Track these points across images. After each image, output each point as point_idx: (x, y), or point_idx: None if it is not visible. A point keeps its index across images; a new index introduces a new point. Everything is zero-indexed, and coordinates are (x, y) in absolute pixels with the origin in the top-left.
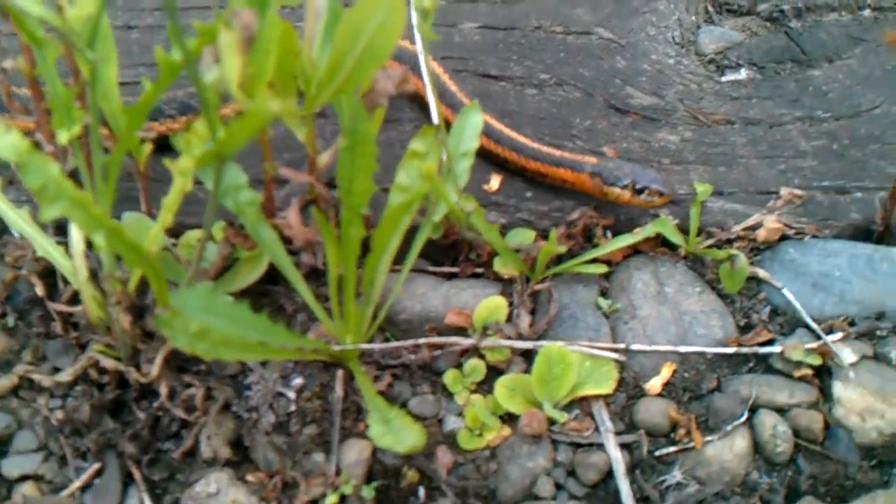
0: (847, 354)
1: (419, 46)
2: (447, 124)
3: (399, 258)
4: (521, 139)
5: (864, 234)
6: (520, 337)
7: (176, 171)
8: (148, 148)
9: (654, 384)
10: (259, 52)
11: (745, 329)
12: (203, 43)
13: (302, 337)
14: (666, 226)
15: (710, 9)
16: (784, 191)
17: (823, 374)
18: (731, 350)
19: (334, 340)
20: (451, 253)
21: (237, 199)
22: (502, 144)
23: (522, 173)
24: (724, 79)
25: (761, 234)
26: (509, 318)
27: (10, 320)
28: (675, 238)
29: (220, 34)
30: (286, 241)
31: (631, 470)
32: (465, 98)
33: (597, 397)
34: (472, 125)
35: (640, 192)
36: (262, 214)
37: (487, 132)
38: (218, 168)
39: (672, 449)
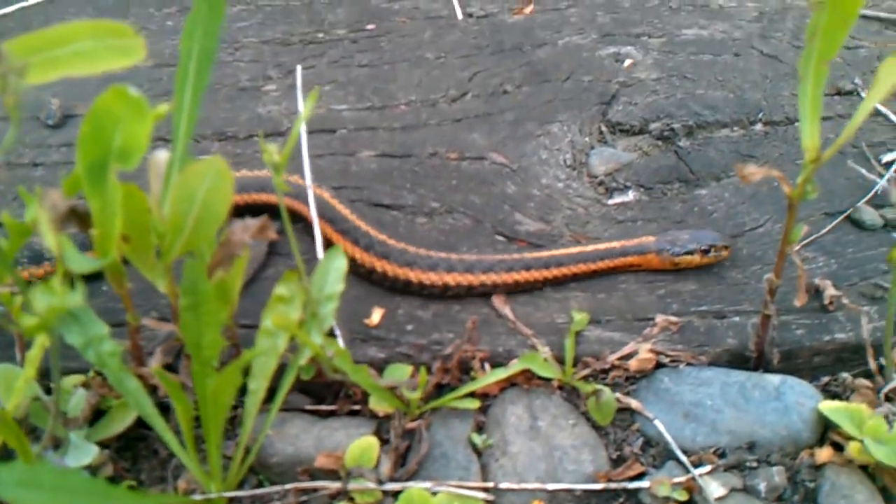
0: (714, 489)
1: (307, 180)
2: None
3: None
4: (577, 250)
5: (740, 359)
6: (390, 479)
7: (24, 329)
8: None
9: None
10: (105, 215)
11: (617, 462)
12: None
13: (155, 495)
14: (534, 360)
15: (604, 129)
16: (659, 318)
17: None
18: (599, 486)
19: (201, 489)
20: (330, 390)
21: (99, 351)
22: (566, 265)
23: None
24: (611, 201)
25: (633, 364)
26: (381, 459)
27: None
28: (546, 372)
29: (36, 211)
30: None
31: None
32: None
33: None
34: (337, 268)
35: (706, 252)
36: (127, 364)
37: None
38: (53, 331)
39: None
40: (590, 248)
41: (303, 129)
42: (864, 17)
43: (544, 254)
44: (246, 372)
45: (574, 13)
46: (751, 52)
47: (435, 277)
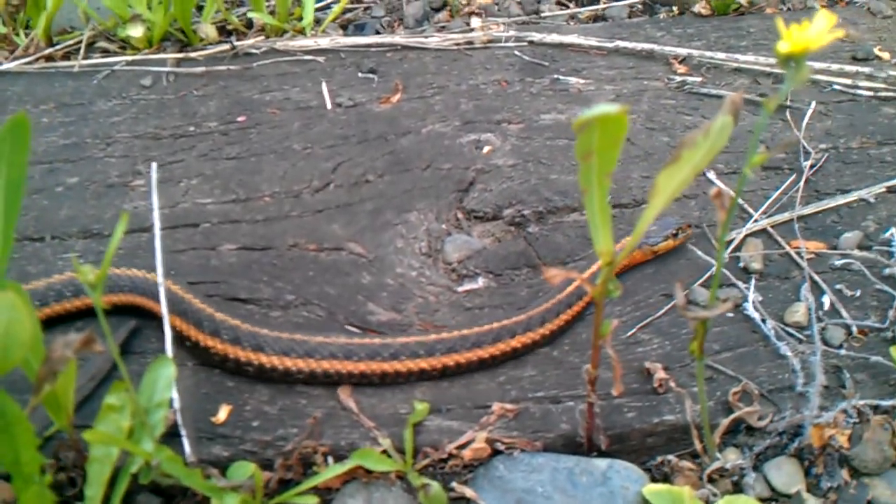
0: None
1: (159, 277)
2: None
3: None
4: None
5: (573, 444)
6: None
7: None
8: None
9: None
10: None
11: None
12: None
13: None
14: (369, 455)
15: (460, 216)
16: (496, 405)
17: None
18: None
19: None
20: (179, 489)
21: None
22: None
23: None
24: (460, 289)
25: (468, 454)
26: None
27: None
28: (381, 465)
29: None
30: None
31: None
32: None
33: None
34: (165, 377)
35: (676, 235)
36: None
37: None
38: None
39: None
40: None
41: (156, 226)
42: (716, 96)
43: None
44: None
45: (439, 101)
46: None
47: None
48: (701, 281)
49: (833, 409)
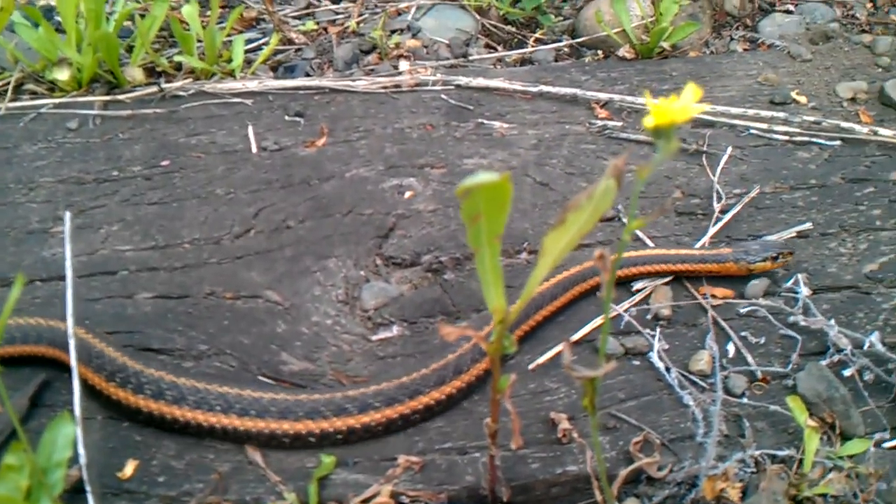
0: None
1: (69, 328)
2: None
3: None
4: (663, 251)
5: (477, 497)
6: None
7: None
8: None
9: None
10: None
11: None
12: None
13: None
14: None
15: (379, 263)
16: (401, 458)
17: None
18: None
19: None
20: None
21: None
22: (653, 263)
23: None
24: (375, 337)
25: None
26: None
27: None
28: None
29: None
30: None
31: None
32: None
33: None
34: (65, 435)
35: (776, 258)
36: None
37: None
38: None
39: None
40: (672, 251)
41: (69, 275)
42: (636, 141)
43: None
44: None
45: (364, 145)
46: (525, 179)
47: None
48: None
49: (728, 460)
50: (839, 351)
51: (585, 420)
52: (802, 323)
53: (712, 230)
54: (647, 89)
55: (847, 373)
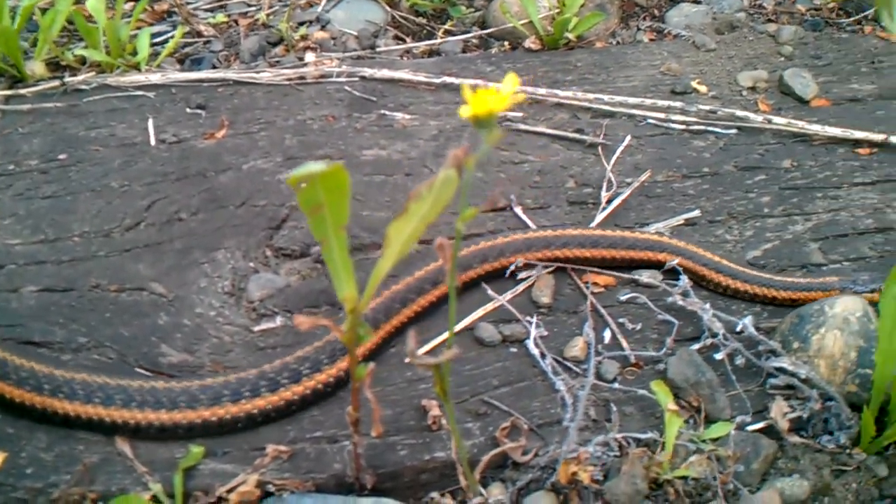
0: None
1: None
2: None
3: None
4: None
5: (345, 484)
6: None
7: None
8: None
9: None
10: None
11: None
12: None
13: None
14: (132, 503)
15: (269, 254)
16: (270, 447)
17: None
18: None
19: None
20: None
21: None
22: (753, 283)
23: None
24: (257, 328)
25: (234, 497)
26: None
27: None
28: None
29: None
30: None
31: None
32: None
33: None
34: None
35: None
36: None
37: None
38: None
39: None
40: (788, 279)
41: None
42: (534, 132)
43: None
44: None
45: (264, 137)
46: (423, 170)
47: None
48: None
49: (589, 444)
50: (713, 335)
51: (458, 406)
52: (680, 306)
53: (599, 217)
54: (550, 80)
55: (718, 356)
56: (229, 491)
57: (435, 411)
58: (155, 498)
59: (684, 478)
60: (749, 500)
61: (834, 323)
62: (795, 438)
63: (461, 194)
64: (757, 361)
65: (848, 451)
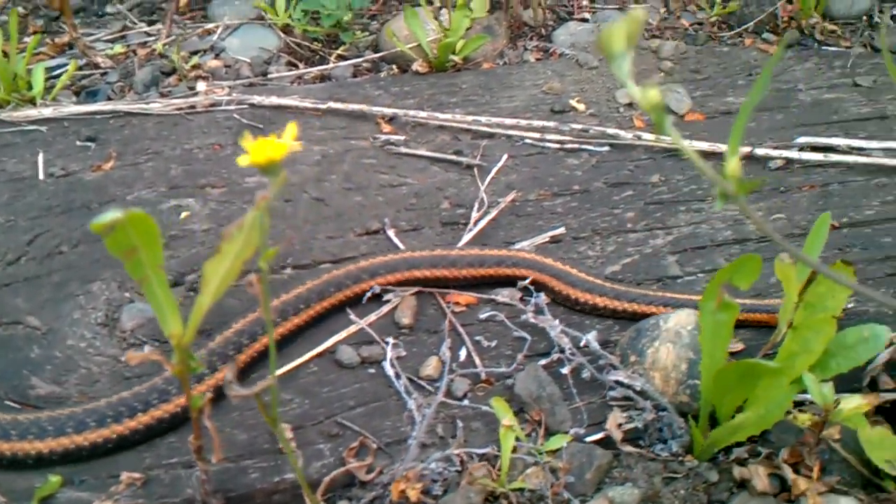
0: None
1: None
2: None
3: None
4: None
5: None
6: None
7: None
8: None
9: None
10: None
11: None
12: None
13: None
14: None
15: None
16: (124, 475)
17: None
18: None
19: None
20: None
21: None
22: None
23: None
24: (125, 358)
25: None
26: None
27: None
28: None
29: None
30: None
31: None
32: None
33: None
34: None
35: None
36: None
37: None
38: None
39: None
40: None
41: None
42: (414, 155)
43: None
44: None
45: (150, 167)
46: (302, 196)
47: None
48: (338, 339)
49: (429, 461)
50: (561, 351)
51: (312, 428)
52: (533, 323)
53: (466, 237)
54: (436, 102)
55: (564, 371)
56: None
57: (288, 433)
58: None
59: (520, 490)
60: None
61: (667, 337)
62: (629, 448)
63: (265, 235)
64: (599, 375)
65: (680, 458)
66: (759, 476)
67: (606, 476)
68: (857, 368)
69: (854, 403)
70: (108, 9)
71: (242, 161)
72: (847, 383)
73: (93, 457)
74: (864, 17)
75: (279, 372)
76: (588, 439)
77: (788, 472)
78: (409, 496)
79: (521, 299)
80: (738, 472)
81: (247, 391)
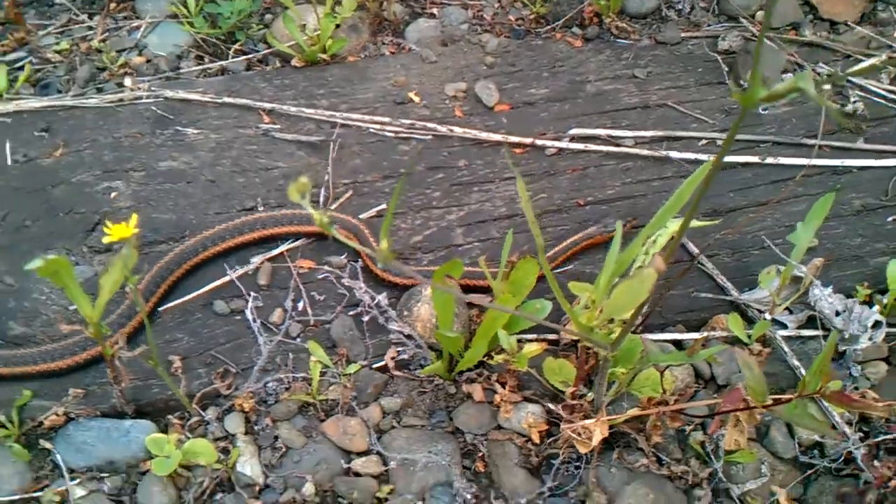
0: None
1: None
2: None
3: None
4: None
5: (119, 412)
6: None
7: None
8: None
9: None
10: None
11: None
12: None
13: None
14: None
15: (86, 250)
16: (71, 390)
17: None
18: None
19: None
20: None
21: None
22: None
23: None
24: (71, 307)
25: (47, 423)
26: None
27: None
28: None
29: None
30: None
31: None
32: None
33: None
34: None
35: None
36: None
37: None
38: None
39: None
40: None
41: None
42: (289, 140)
43: None
44: None
45: (89, 154)
46: (200, 178)
47: None
48: (224, 292)
49: (263, 381)
50: (363, 305)
51: (195, 359)
52: (347, 284)
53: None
54: (308, 95)
55: (365, 319)
56: (46, 419)
57: (177, 363)
58: (1, 423)
59: (324, 400)
60: (362, 412)
61: (426, 299)
62: (398, 372)
63: (122, 265)
64: (385, 323)
65: (431, 379)
66: (477, 390)
67: (382, 391)
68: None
69: (532, 348)
70: None
71: (105, 240)
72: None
73: (52, 377)
74: (655, 13)
75: (175, 304)
76: (374, 366)
77: (498, 388)
78: (244, 406)
79: (346, 265)
80: (465, 387)
81: (131, 353)
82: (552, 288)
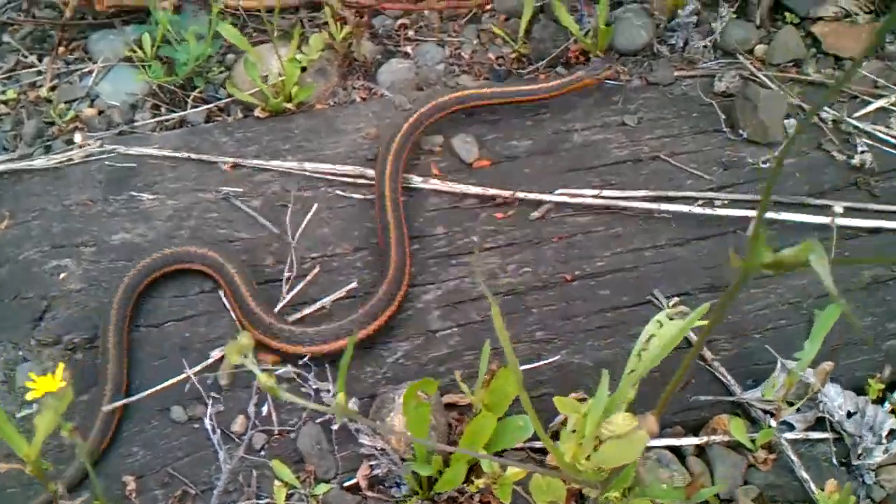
0: None
1: None
2: None
3: None
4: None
5: None
6: None
7: None
8: None
9: None
10: None
11: None
12: None
13: None
14: None
15: (33, 343)
16: None
17: None
18: None
19: None
20: None
21: None
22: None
23: None
24: (19, 415)
25: None
26: None
27: None
28: None
29: None
30: None
31: None
32: None
33: None
34: None
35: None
36: None
37: None
38: None
39: None
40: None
41: None
42: (247, 210)
43: None
44: None
45: (37, 225)
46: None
47: None
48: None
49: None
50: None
51: (151, 477)
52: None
53: (287, 298)
54: (272, 148)
55: (334, 428)
56: None
57: (132, 485)
58: None
59: None
60: None
61: (399, 409)
62: (370, 493)
63: (68, 402)
64: (356, 434)
65: (408, 499)
66: None
67: None
68: None
69: (513, 471)
70: (5, 37)
71: (30, 396)
72: None
73: None
74: (646, 49)
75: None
76: (345, 484)
77: None
78: None
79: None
80: None
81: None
82: (531, 420)
